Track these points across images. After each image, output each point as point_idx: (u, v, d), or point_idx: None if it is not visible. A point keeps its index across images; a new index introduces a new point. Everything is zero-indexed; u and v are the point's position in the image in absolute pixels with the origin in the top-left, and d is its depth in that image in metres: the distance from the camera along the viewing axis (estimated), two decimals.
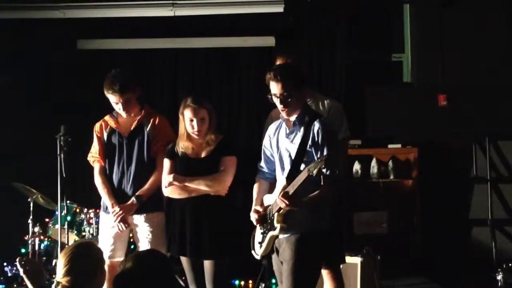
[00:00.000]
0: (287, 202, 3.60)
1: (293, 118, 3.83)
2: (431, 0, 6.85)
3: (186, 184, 4.35)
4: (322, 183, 3.61)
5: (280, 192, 3.67)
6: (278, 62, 4.39)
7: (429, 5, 6.88)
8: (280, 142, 3.91)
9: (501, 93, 6.68)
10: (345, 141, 4.58)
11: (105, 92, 4.59)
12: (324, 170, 3.58)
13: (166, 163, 4.47)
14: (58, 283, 3.04)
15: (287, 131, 3.87)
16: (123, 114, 4.65)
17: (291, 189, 3.62)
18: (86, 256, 3.09)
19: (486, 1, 6.85)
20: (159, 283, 2.91)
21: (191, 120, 4.36)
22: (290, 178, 3.69)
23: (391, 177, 6.60)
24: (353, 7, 6.86)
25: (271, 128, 4.03)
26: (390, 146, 6.70)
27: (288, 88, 3.73)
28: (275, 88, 3.77)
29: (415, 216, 6.54)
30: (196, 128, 4.36)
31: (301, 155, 3.74)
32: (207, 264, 4.34)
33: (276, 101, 3.79)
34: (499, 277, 5.83)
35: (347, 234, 5.59)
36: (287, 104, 3.77)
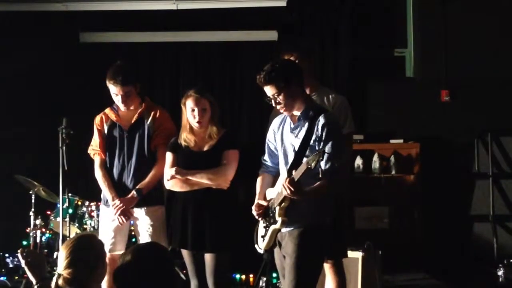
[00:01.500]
0: (292, 189, 3.60)
1: (297, 113, 3.84)
2: None
3: (188, 177, 4.35)
4: (320, 176, 3.61)
5: (284, 181, 3.67)
6: (285, 58, 4.40)
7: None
8: (284, 137, 3.91)
9: (503, 88, 6.67)
10: (350, 136, 4.59)
11: (107, 82, 4.59)
12: (322, 163, 3.58)
13: (169, 156, 4.47)
14: (59, 275, 3.04)
15: (292, 126, 3.88)
16: (122, 107, 4.64)
17: (296, 176, 3.62)
18: (87, 248, 3.08)
19: None
20: (159, 276, 2.90)
21: (193, 110, 4.37)
22: (292, 171, 3.70)
23: (393, 172, 6.60)
24: (356, 1, 6.84)
25: (275, 122, 4.03)
26: (392, 141, 6.69)
27: (278, 88, 3.75)
28: (267, 91, 3.81)
29: (416, 212, 6.54)
30: (197, 118, 4.36)
31: (305, 150, 3.75)
32: (208, 257, 4.35)
33: (272, 102, 3.81)
34: (500, 272, 5.84)
35: (348, 228, 5.58)
36: (282, 104, 3.79)
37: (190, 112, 4.39)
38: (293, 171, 3.65)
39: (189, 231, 4.35)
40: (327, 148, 3.61)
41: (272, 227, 3.81)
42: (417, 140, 6.64)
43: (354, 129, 4.62)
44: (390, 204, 6.50)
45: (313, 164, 3.49)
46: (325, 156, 3.54)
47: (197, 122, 4.37)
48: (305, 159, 3.66)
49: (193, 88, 4.45)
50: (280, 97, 3.76)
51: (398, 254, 6.03)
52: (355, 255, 5.06)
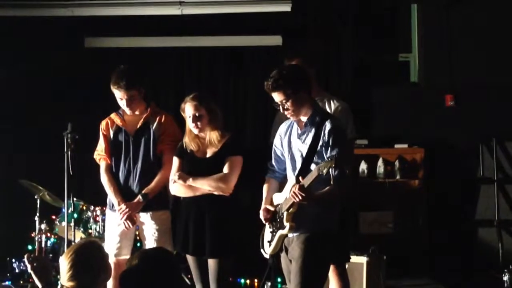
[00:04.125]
0: (304, 195, 3.61)
1: (304, 118, 3.86)
2: (439, 0, 6.83)
3: (190, 183, 4.36)
4: (332, 182, 3.62)
5: (292, 188, 3.67)
6: (287, 63, 4.43)
7: (437, 4, 6.86)
8: (292, 143, 3.93)
9: (508, 93, 6.66)
10: (351, 142, 4.61)
11: (111, 87, 4.61)
12: (333, 170, 3.59)
13: (175, 161, 4.49)
14: (62, 285, 3.05)
15: (299, 132, 3.90)
16: (127, 111, 4.66)
17: (306, 183, 3.63)
18: (89, 258, 3.07)
19: (493, 0, 6.83)
20: (165, 280, 2.91)
21: (189, 116, 4.39)
22: (299, 177, 3.70)
23: (398, 177, 6.59)
24: (361, 6, 6.84)
25: (282, 127, 4.05)
26: (396, 146, 6.69)
27: (285, 94, 3.78)
28: (274, 97, 3.83)
29: (421, 216, 6.53)
30: (192, 124, 4.37)
31: (312, 155, 3.77)
32: (211, 262, 4.35)
33: (280, 108, 3.84)
34: (506, 278, 5.82)
35: (353, 233, 5.57)
36: (290, 109, 3.81)
37: (187, 118, 4.42)
38: (301, 177, 3.66)
39: (190, 236, 4.36)
40: (337, 155, 3.62)
41: (279, 232, 3.82)
42: (422, 145, 6.63)
43: (355, 135, 4.64)
44: (395, 209, 6.49)
45: (324, 171, 3.51)
46: (336, 162, 3.55)
47: (194, 127, 4.39)
48: (313, 165, 3.69)
49: (191, 95, 4.46)
50: (288, 103, 3.78)
51: (403, 259, 6.03)
52: (360, 260, 5.06)
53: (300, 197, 3.62)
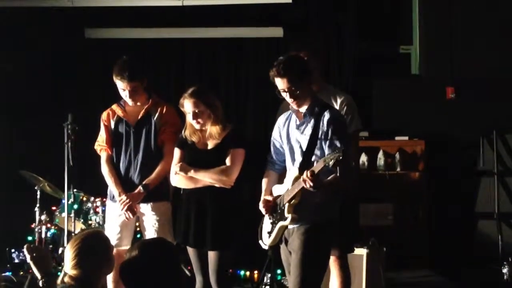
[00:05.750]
0: (315, 181, 3.59)
1: (303, 109, 3.85)
2: None
3: (191, 175, 4.35)
4: (338, 174, 3.62)
5: (304, 173, 3.65)
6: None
7: None
8: (290, 134, 3.92)
9: (509, 86, 6.65)
10: (356, 134, 4.62)
11: (114, 77, 4.60)
12: (340, 162, 3.58)
13: (176, 152, 4.48)
14: (65, 273, 3.05)
15: (298, 123, 3.89)
16: (129, 102, 4.66)
17: (315, 170, 3.61)
18: (93, 248, 3.09)
19: None
20: (165, 271, 2.91)
21: (189, 113, 4.39)
22: (302, 168, 3.70)
23: (398, 169, 6.59)
24: None
25: (281, 119, 4.05)
26: (397, 138, 6.69)
27: (293, 81, 3.76)
28: (280, 83, 3.80)
29: (421, 209, 6.54)
30: (193, 121, 4.37)
31: (312, 146, 3.77)
32: (211, 254, 4.35)
33: (285, 95, 3.82)
34: (505, 270, 5.83)
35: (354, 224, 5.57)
36: (296, 97, 3.80)
37: (187, 114, 4.42)
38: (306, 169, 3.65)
39: (191, 228, 4.36)
40: (343, 146, 3.61)
41: (280, 223, 3.82)
42: (422, 137, 6.64)
43: (360, 127, 4.65)
44: (395, 201, 6.49)
45: (331, 163, 3.49)
46: (343, 154, 3.53)
47: (195, 123, 4.38)
48: (314, 157, 3.67)
49: (188, 90, 4.44)
50: (295, 91, 3.77)
51: (403, 251, 6.04)
52: (360, 251, 5.06)
53: (311, 183, 3.60)
